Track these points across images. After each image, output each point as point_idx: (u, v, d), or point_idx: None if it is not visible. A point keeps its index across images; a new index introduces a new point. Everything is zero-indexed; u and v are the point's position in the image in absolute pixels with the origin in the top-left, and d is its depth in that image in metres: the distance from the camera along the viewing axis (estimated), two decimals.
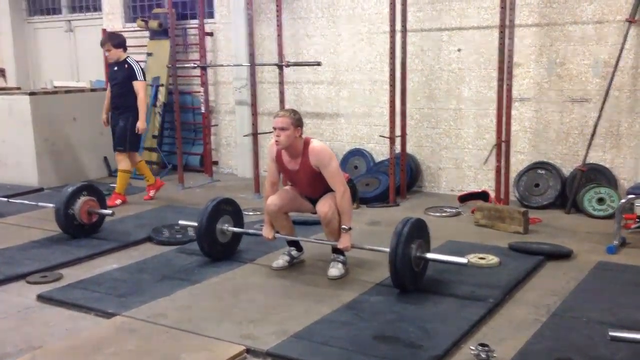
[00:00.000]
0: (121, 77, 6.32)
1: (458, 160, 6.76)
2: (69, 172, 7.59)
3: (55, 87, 8.15)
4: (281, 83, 6.88)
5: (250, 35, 6.89)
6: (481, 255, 4.52)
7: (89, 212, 5.28)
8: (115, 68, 6.39)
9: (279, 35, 6.97)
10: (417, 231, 3.97)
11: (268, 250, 4.78)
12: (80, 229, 5.26)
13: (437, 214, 5.95)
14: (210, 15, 8.15)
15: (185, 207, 6.35)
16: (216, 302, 3.89)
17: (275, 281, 4.27)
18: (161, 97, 8.23)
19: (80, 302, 3.88)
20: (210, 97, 8.01)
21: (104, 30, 6.47)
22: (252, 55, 6.92)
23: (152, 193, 6.80)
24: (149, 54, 8.39)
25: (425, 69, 6.78)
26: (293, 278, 4.31)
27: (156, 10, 8.43)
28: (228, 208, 4.71)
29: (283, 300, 3.92)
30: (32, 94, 7.54)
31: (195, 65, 7.61)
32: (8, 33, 10.03)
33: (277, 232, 4.46)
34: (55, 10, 9.90)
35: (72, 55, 9.80)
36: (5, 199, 6.09)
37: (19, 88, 9.17)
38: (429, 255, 4.00)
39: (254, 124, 6.94)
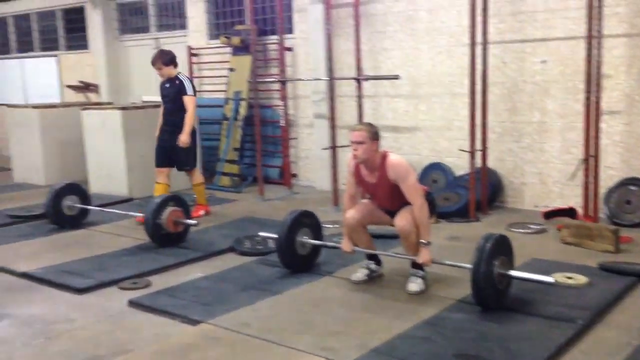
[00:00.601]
0: (173, 93, 6.30)
1: (543, 175, 6.57)
2: None
3: (144, 101, 8.53)
4: (359, 97, 6.92)
5: (329, 49, 6.98)
6: (569, 275, 4.36)
7: (175, 222, 5.49)
8: (167, 85, 6.37)
9: (357, 49, 7.02)
10: (501, 247, 3.89)
11: (347, 264, 4.80)
12: (166, 238, 5.47)
13: (521, 231, 5.80)
14: (290, 31, 8.32)
15: (265, 219, 6.47)
16: (297, 314, 3.95)
17: (355, 294, 4.29)
18: (242, 111, 8.45)
19: (168, 308, 4.03)
20: (289, 110, 8.16)
21: (160, 51, 6.43)
22: (330, 70, 7.01)
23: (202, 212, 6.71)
24: (231, 69, 8.65)
25: (507, 81, 6.64)
26: (372, 292, 4.31)
27: (238, 27, 8.69)
28: (307, 221, 4.77)
29: (362, 314, 3.93)
30: (123, 108, 7.92)
31: (275, 80, 7.78)
32: (101, 51, 10.62)
33: (356, 246, 4.48)
34: (145, 29, 10.40)
35: None
36: (99, 209, 6.44)
37: (110, 103, 9.67)
38: (513, 273, 3.90)
39: (333, 137, 7.01)
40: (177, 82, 6.30)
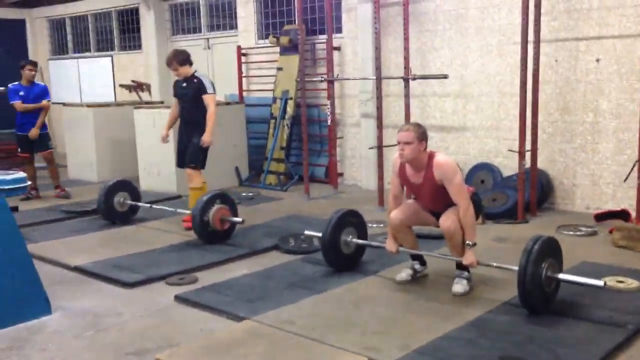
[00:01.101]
0: (191, 92, 6.08)
1: (595, 177, 6.39)
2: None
3: None
4: (407, 96, 6.87)
5: (377, 49, 6.96)
6: (620, 279, 4.24)
7: (222, 220, 5.57)
8: (184, 84, 6.14)
9: (406, 49, 6.96)
10: (549, 250, 3.80)
11: (391, 263, 4.78)
12: (213, 235, 5.55)
13: (571, 233, 5.65)
14: (338, 30, 8.33)
15: (310, 218, 6.50)
16: (340, 312, 3.95)
17: (398, 294, 4.26)
18: (290, 110, 8.51)
19: (213, 304, 4.10)
20: (336, 109, 8.16)
21: (174, 52, 6.20)
22: (378, 69, 6.98)
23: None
24: (279, 69, 8.72)
25: (559, 80, 6.48)
26: (416, 292, 4.28)
27: (287, 27, 8.75)
28: (352, 220, 4.77)
29: (406, 314, 3.91)
30: None
31: (323, 79, 7.80)
32: (153, 51, 10.86)
33: (401, 246, 4.46)
34: (196, 30, 10.58)
35: (209, 70, 10.41)
36: (148, 205, 6.59)
37: (162, 102, 9.88)
38: (562, 276, 3.81)
39: (379, 137, 6.99)
40: (195, 80, 6.09)
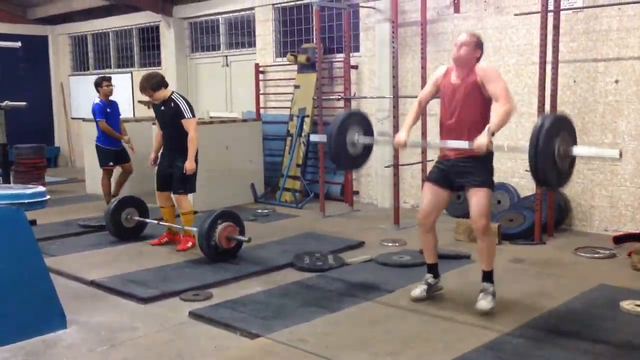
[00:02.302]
0: (169, 116, 5.85)
1: (613, 199, 6.32)
2: (220, 197, 8.05)
3: (211, 117, 8.74)
4: (424, 115, 6.85)
5: (394, 67, 6.98)
6: (638, 302, 4.16)
7: (228, 238, 5.51)
8: (162, 108, 5.90)
9: (423, 68, 6.98)
10: (560, 125, 3.67)
11: (406, 284, 4.74)
12: (219, 253, 5.48)
13: (589, 255, 5.58)
14: (356, 49, 8.38)
15: (325, 235, 6.49)
16: (354, 332, 3.93)
17: (414, 314, 4.23)
18: (306, 128, 8.54)
19: (228, 321, 4.09)
20: None
21: (144, 78, 5.91)
22: (395, 88, 7.00)
23: (164, 240, 6.23)
24: (297, 87, 8.77)
25: (578, 101, 6.45)
26: (431, 312, 4.24)
27: (305, 46, 8.82)
28: (357, 119, 4.70)
29: (421, 333, 3.87)
30: None
31: (340, 97, 7.83)
32: (172, 68, 10.99)
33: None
34: (215, 47, 10.71)
35: (227, 87, 10.51)
36: (155, 222, 6.40)
37: None
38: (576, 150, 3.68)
39: (395, 156, 6.98)
40: (172, 104, 5.83)
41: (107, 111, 7.91)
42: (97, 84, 8.02)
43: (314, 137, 4.79)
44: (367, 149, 4.76)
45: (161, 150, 6.16)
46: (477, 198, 4.13)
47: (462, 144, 4.06)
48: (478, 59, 4.21)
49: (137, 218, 6.48)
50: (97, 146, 8.03)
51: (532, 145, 3.57)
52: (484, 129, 3.96)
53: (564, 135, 3.66)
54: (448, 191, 4.35)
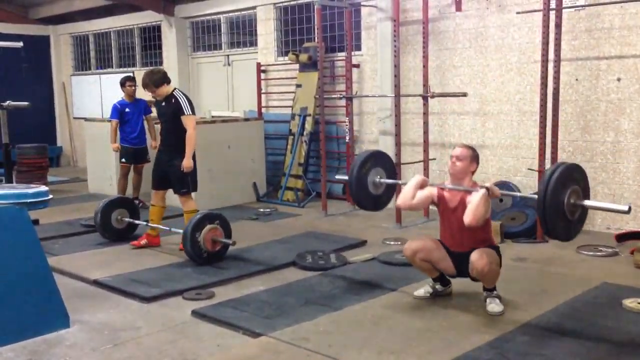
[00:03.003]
0: (170, 112, 5.81)
1: (616, 197, 6.31)
2: (222, 196, 8.07)
3: (213, 116, 8.74)
4: (425, 114, 6.86)
5: (396, 66, 6.98)
6: None
7: (213, 241, 5.44)
8: (163, 104, 5.86)
9: (425, 67, 6.98)
10: (572, 175, 3.60)
11: (410, 282, 4.75)
12: (205, 256, 5.41)
13: (591, 253, 5.58)
14: (358, 47, 8.37)
15: (327, 234, 6.49)
16: (357, 330, 3.93)
17: (417, 313, 4.23)
18: (308, 127, 8.54)
19: (230, 320, 4.10)
20: (354, 126, 8.19)
21: (147, 74, 5.87)
22: (397, 86, 7.00)
23: (143, 242, 6.13)
24: (298, 86, 8.77)
25: (580, 99, 6.45)
26: (434, 311, 4.24)
27: (306, 45, 8.82)
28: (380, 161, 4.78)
29: (424, 332, 3.87)
30: None
31: (342, 96, 7.83)
32: (175, 67, 10.98)
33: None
34: (216, 46, 10.70)
35: (229, 87, 10.51)
36: (144, 223, 6.25)
37: None
38: (587, 203, 3.60)
39: (397, 154, 6.98)
40: (173, 100, 5.79)
41: (124, 111, 7.99)
42: (122, 84, 8.12)
43: (339, 177, 4.94)
44: (390, 189, 4.81)
45: (159, 147, 6.15)
46: (480, 252, 4.09)
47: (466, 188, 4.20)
48: (473, 173, 4.23)
49: (127, 219, 6.42)
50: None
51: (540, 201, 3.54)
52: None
53: (574, 187, 3.60)
54: (451, 261, 4.32)
